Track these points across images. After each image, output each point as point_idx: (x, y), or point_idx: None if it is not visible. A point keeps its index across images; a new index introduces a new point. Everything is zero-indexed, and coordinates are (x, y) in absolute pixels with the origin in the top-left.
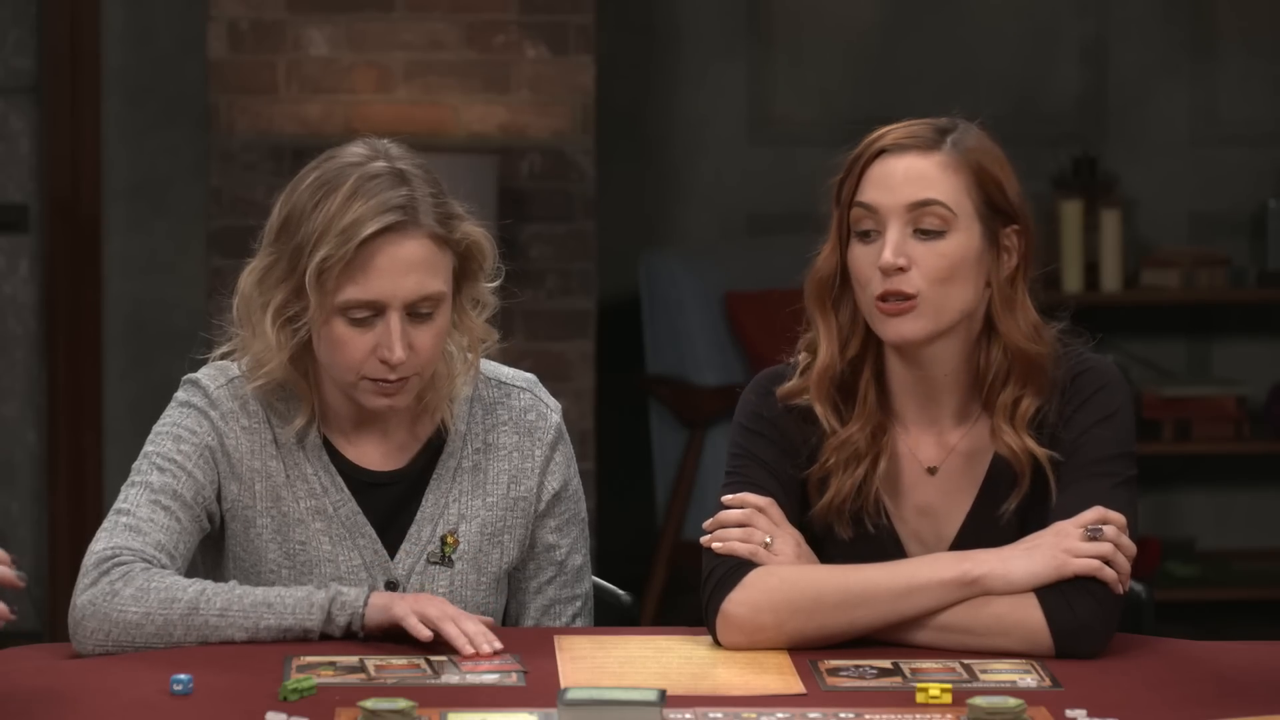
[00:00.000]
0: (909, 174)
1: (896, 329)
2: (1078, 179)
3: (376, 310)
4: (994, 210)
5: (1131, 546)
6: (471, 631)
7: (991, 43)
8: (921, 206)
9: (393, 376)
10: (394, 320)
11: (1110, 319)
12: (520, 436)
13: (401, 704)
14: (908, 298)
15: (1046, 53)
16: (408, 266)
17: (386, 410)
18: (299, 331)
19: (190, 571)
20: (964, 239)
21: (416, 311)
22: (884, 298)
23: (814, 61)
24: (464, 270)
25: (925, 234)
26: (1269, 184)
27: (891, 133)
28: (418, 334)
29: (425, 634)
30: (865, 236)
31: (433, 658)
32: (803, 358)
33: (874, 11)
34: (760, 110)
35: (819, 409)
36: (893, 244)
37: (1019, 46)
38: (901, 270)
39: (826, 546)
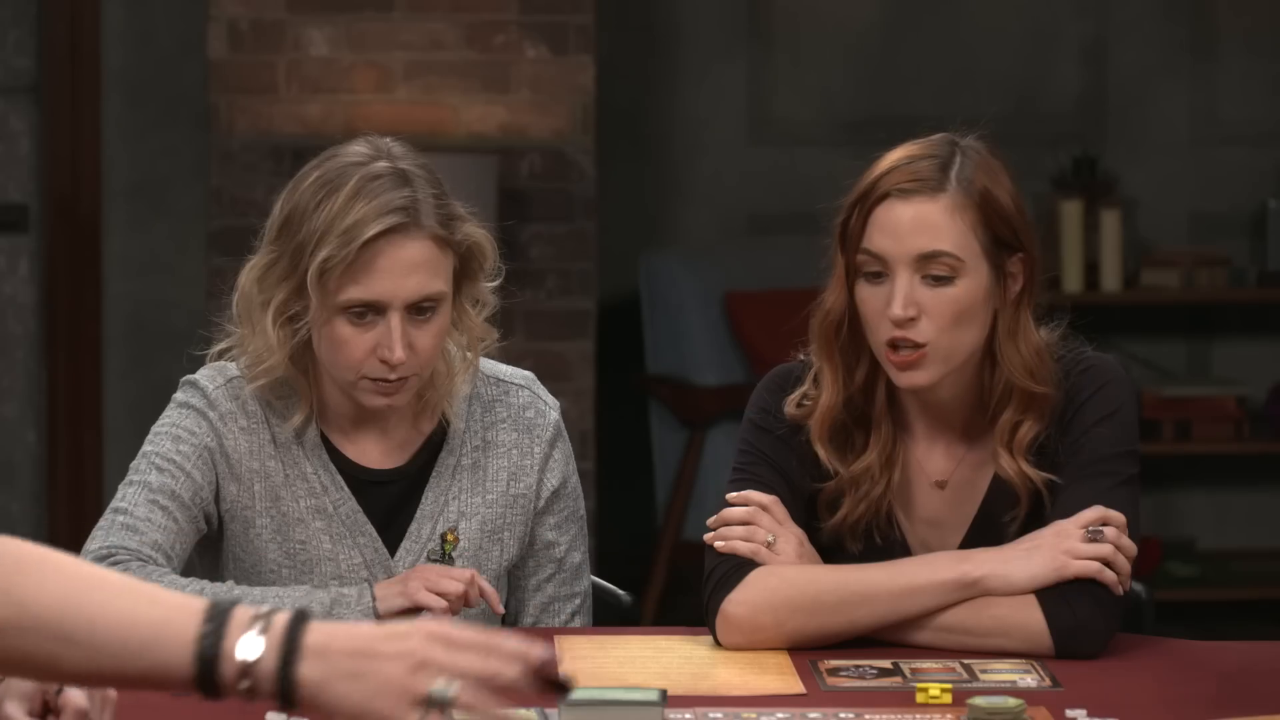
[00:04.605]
0: (916, 223)
1: (908, 379)
2: (1078, 179)
3: (377, 310)
4: (1001, 245)
5: (1132, 547)
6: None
7: (991, 43)
8: (930, 257)
9: (392, 376)
10: (395, 320)
11: (1110, 319)
12: (519, 434)
13: None
14: (918, 346)
15: (1046, 53)
16: (409, 268)
17: (386, 409)
18: (299, 330)
19: (187, 573)
20: (972, 282)
21: (417, 311)
22: (894, 344)
23: (814, 61)
24: (464, 270)
25: (934, 279)
26: (1269, 184)
27: (895, 172)
28: (418, 334)
29: (441, 604)
30: (873, 278)
31: None
32: (809, 390)
33: (874, 11)
34: (760, 110)
35: (820, 451)
36: (902, 295)
37: (1019, 46)
38: (912, 320)
39: (835, 556)
